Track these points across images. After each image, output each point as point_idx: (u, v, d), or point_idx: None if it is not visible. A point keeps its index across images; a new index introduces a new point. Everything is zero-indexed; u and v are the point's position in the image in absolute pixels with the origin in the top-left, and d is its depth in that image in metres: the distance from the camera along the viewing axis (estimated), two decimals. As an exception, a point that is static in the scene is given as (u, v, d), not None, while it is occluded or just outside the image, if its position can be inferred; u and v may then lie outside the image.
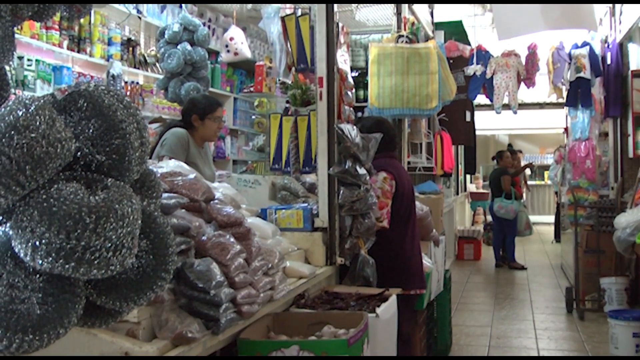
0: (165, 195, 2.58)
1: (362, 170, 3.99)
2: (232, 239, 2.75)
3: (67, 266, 1.42)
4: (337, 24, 4.09)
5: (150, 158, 4.98)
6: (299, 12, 4.29)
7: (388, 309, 3.45)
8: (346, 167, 3.93)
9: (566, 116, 12.34)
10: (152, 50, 7.45)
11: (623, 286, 7.56)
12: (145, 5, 7.14)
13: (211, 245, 2.67)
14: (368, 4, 7.27)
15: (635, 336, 6.04)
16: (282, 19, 4.22)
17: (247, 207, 3.75)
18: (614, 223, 6.16)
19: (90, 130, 1.44)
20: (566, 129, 11.47)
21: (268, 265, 2.96)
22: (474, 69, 9.09)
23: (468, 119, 10.10)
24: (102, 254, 1.36)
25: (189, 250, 2.59)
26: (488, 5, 13.12)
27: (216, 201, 3.01)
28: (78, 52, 6.36)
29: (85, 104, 1.42)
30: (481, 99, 13.29)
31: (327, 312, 3.22)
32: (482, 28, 14.18)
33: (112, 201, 1.37)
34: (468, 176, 16.59)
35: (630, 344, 6.04)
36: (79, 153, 1.44)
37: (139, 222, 1.49)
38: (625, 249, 5.98)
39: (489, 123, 18.00)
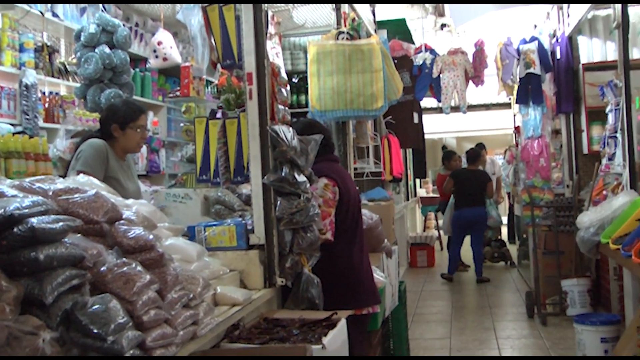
0: (50, 218, 2.04)
1: (301, 178, 3.51)
2: (139, 268, 2.24)
3: None
4: (266, 12, 3.61)
5: (65, 173, 4.45)
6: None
7: (337, 337, 2.98)
8: (283, 174, 3.45)
9: (514, 116, 12.12)
10: (74, 58, 6.87)
11: (585, 288, 7.24)
12: (60, 5, 6.53)
13: (112, 277, 2.16)
14: (305, 3, 6.85)
15: (603, 341, 5.70)
16: (204, 9, 3.73)
17: (170, 225, 3.23)
18: (577, 223, 5.81)
19: None
20: (517, 128, 11.18)
21: (189, 296, 2.46)
22: (422, 57, 8.80)
23: (416, 120, 9.74)
24: None
25: (82, 286, 2.07)
26: (430, 8, 12.88)
27: (123, 222, 2.49)
28: (-16, 60, 5.76)
29: None
30: (428, 102, 13.06)
31: (264, 347, 2.73)
32: (425, 31, 13.93)
33: None
34: (418, 181, 16.27)
35: (599, 349, 5.70)
36: None
37: None
38: (589, 250, 5.62)
39: (436, 126, 17.83)
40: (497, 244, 12.09)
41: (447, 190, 11.25)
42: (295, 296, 3.55)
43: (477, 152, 11.39)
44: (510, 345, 6.76)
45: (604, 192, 6.51)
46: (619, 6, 5.79)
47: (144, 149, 7.78)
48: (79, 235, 2.26)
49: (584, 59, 8.36)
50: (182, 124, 6.22)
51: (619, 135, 6.25)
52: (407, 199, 13.25)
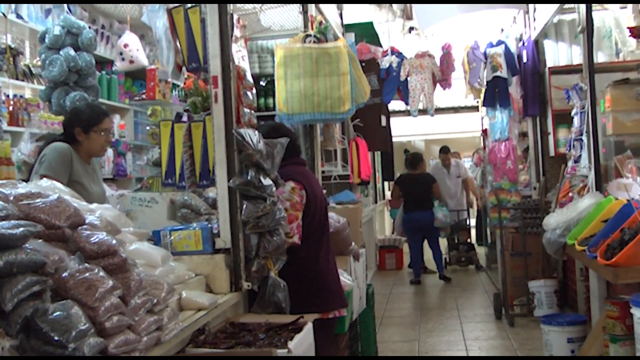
0: (10, 223, 2.01)
1: (267, 181, 3.49)
2: (101, 273, 2.21)
3: None
4: (232, 15, 3.59)
5: (29, 177, 4.39)
6: (188, 4, 3.78)
7: (303, 341, 2.97)
8: (249, 177, 3.43)
9: (482, 119, 12.19)
10: (39, 60, 6.78)
11: (552, 288, 7.30)
12: (24, 6, 6.42)
13: (74, 283, 2.13)
14: (272, 5, 6.81)
15: (570, 341, 5.75)
16: (169, 11, 3.70)
17: (135, 230, 3.20)
18: (543, 224, 5.86)
19: None
20: (485, 131, 11.25)
21: (153, 301, 2.43)
22: (388, 60, 8.85)
23: (384, 123, 9.75)
24: None
25: (43, 293, 2.04)
26: (398, 11, 12.91)
27: (85, 226, 2.46)
28: (-55, 63, 5.66)
29: None
30: (395, 104, 13.09)
31: (229, 351, 2.71)
32: (393, 34, 13.99)
33: None
34: (386, 183, 16.29)
35: (566, 349, 5.75)
36: None
37: None
38: (556, 251, 5.67)
39: (404, 129, 17.88)
40: (464, 247, 12.13)
41: (394, 197, 11.51)
42: (262, 300, 3.53)
43: (418, 156, 11.61)
44: (478, 347, 6.79)
45: (570, 194, 6.56)
46: (583, 10, 5.84)
47: (110, 152, 7.71)
48: (40, 240, 2.23)
49: (550, 62, 8.42)
50: (148, 127, 6.16)
51: (584, 137, 6.31)
52: (376, 202, 13.28)
